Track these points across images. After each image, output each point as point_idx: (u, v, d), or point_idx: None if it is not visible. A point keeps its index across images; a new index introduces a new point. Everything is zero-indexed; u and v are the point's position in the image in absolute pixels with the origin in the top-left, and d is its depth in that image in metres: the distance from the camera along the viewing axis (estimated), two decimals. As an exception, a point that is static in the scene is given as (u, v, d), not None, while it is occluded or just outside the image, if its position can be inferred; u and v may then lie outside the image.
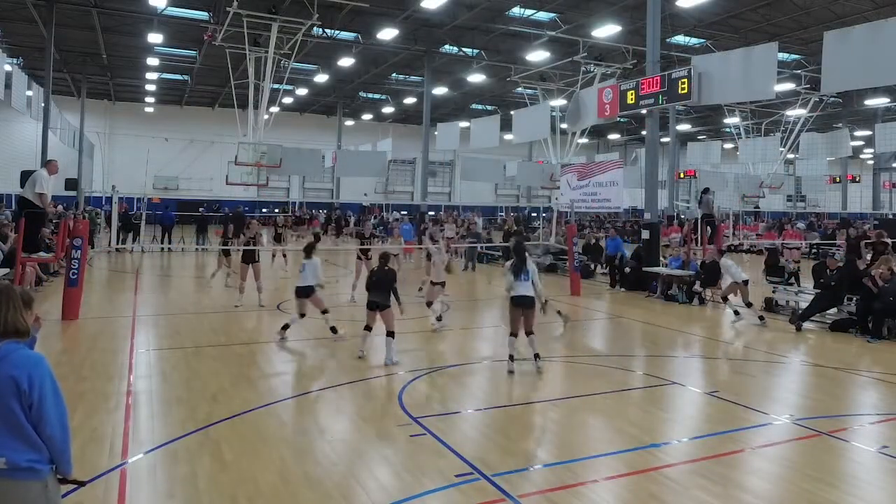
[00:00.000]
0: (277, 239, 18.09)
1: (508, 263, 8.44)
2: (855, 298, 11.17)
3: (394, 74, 36.09)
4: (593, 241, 21.39)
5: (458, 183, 52.76)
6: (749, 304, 12.01)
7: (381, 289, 8.52)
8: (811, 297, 12.03)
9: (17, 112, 24.55)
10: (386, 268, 8.68)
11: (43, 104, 25.67)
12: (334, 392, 7.21)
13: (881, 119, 35.16)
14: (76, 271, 11.05)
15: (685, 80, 15.50)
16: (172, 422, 6.06)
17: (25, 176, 13.04)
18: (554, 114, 26.86)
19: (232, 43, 22.23)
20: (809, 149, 32.03)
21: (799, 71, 27.89)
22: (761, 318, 11.85)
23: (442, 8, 22.61)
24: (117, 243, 20.26)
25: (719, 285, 13.49)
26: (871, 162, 49.17)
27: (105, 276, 17.65)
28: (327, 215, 37.44)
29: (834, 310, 11.66)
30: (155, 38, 26.53)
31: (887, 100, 33.25)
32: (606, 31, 23.79)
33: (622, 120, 37.70)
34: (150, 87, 40.43)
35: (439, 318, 10.95)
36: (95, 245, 20.61)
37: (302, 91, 39.50)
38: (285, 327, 9.63)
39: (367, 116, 49.50)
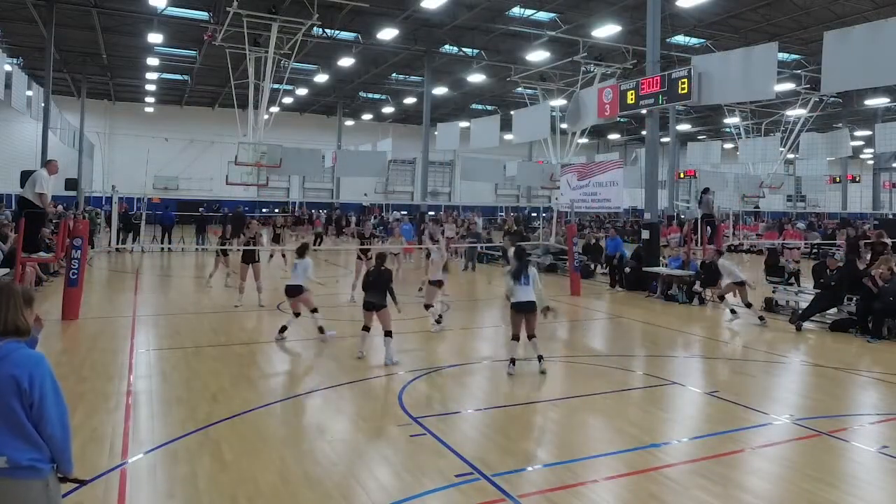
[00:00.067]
0: (276, 239, 18.10)
1: (509, 268, 8.44)
2: (855, 298, 11.17)
3: (394, 74, 36.09)
4: (593, 241, 21.39)
5: (458, 183, 52.75)
6: (749, 305, 12.01)
7: (378, 289, 8.54)
8: (811, 297, 12.04)
9: (17, 112, 24.55)
10: (382, 268, 8.69)
11: (43, 104, 25.67)
12: (334, 392, 7.21)
13: (881, 119, 35.16)
14: (76, 271, 11.06)
15: (685, 80, 15.51)
16: (172, 422, 6.06)
17: (25, 176, 13.04)
18: (554, 114, 26.86)
19: (232, 43, 22.23)
20: (809, 149, 32.03)
21: (799, 71, 27.89)
22: (761, 318, 11.86)
23: (442, 8, 22.60)
24: (117, 243, 20.27)
25: (719, 285, 13.50)
26: (871, 162, 49.17)
27: (105, 276, 17.65)
28: (328, 215, 37.46)
29: (834, 310, 11.66)
30: (155, 38, 26.53)
31: (887, 100, 33.26)
32: (606, 31, 23.79)
33: (622, 120, 37.70)
34: (150, 87, 40.43)
35: (438, 321, 10.95)
36: (95, 245, 20.62)
37: (302, 91, 39.50)
38: (283, 329, 9.64)
39: (367, 116, 49.50)
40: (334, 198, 48.42)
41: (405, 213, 38.65)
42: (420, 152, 33.64)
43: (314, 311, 9.78)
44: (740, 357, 9.61)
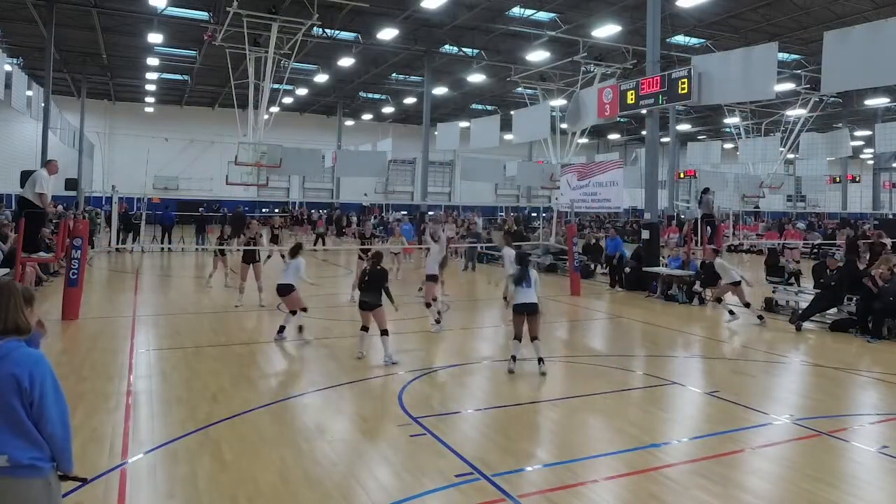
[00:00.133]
0: (274, 240, 18.07)
1: (511, 271, 8.44)
2: (855, 298, 11.17)
3: (394, 74, 36.08)
4: (593, 241, 21.40)
5: (458, 183, 52.75)
6: (747, 305, 12.02)
7: (373, 288, 8.55)
8: (811, 297, 12.04)
9: (17, 112, 24.55)
10: (378, 267, 8.69)
11: (43, 104, 25.67)
12: (334, 392, 7.21)
13: (881, 119, 35.15)
14: (76, 271, 11.06)
15: (685, 80, 15.51)
16: (172, 422, 6.06)
17: (25, 176, 13.03)
18: (554, 114, 26.87)
19: (232, 43, 22.23)
20: (809, 149, 32.02)
21: (799, 71, 27.88)
22: (760, 317, 11.87)
23: (442, 8, 22.60)
24: (117, 243, 20.27)
25: (718, 285, 13.51)
26: (871, 162, 49.17)
27: (105, 276, 17.65)
28: (328, 215, 37.46)
29: (834, 310, 11.66)
30: (155, 38, 26.53)
31: (887, 100, 33.25)
32: (606, 31, 23.79)
33: (622, 120, 37.70)
34: (150, 87, 40.43)
35: (438, 321, 10.97)
36: (95, 245, 20.62)
37: (302, 91, 39.50)
38: (281, 329, 9.65)
39: (367, 116, 49.50)
40: (334, 198, 48.41)
41: (405, 213, 38.67)
42: (420, 152, 33.64)
43: (303, 309, 9.81)
44: (740, 357, 9.61)
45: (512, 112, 29.69)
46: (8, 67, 19.86)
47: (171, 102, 45.96)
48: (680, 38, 26.28)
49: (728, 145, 43.18)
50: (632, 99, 17.18)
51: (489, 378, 8.04)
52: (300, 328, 9.73)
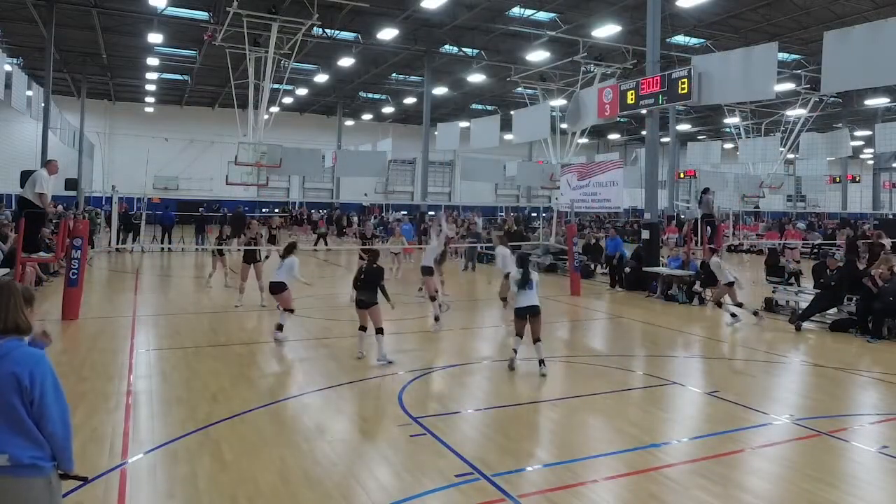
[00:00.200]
0: (271, 240, 18.05)
1: (512, 273, 8.44)
2: (855, 298, 11.17)
3: (394, 74, 36.08)
4: (593, 241, 21.40)
5: (458, 183, 52.75)
6: (740, 304, 12.02)
7: (369, 287, 8.54)
8: (811, 297, 12.03)
9: (17, 112, 24.55)
10: (374, 265, 8.68)
11: (43, 104, 25.67)
12: (334, 392, 7.21)
13: (881, 119, 35.15)
14: (76, 271, 11.06)
15: (685, 80, 15.50)
16: (172, 422, 6.06)
17: (25, 176, 13.04)
18: (554, 114, 26.86)
19: (232, 43, 22.23)
20: (809, 149, 32.02)
21: (799, 71, 27.88)
22: (756, 313, 11.88)
23: (442, 8, 22.60)
24: (117, 243, 20.27)
25: (718, 286, 13.50)
26: (871, 162, 49.17)
27: (105, 276, 17.65)
28: (329, 215, 37.47)
29: (834, 310, 11.66)
30: (155, 38, 26.53)
31: (887, 100, 33.25)
32: (606, 31, 23.79)
33: (622, 120, 37.69)
34: (150, 87, 40.43)
35: (437, 318, 11.00)
36: (95, 245, 20.62)
37: (302, 91, 39.50)
38: (279, 328, 9.63)
39: (367, 116, 49.50)
40: (334, 198, 48.42)
41: (405, 213, 38.68)
42: (420, 152, 33.64)
43: (290, 310, 9.72)
44: (740, 357, 9.61)
45: (512, 112, 29.68)
46: (8, 67, 19.86)
47: (171, 102, 45.96)
48: (680, 38, 26.28)
49: (728, 145, 43.17)
50: (632, 99, 17.18)
51: (489, 378, 8.04)
52: (279, 326, 9.63)
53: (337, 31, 26.18)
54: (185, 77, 37.51)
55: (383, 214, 41.30)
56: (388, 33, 25.50)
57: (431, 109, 32.50)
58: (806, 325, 11.54)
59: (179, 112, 46.78)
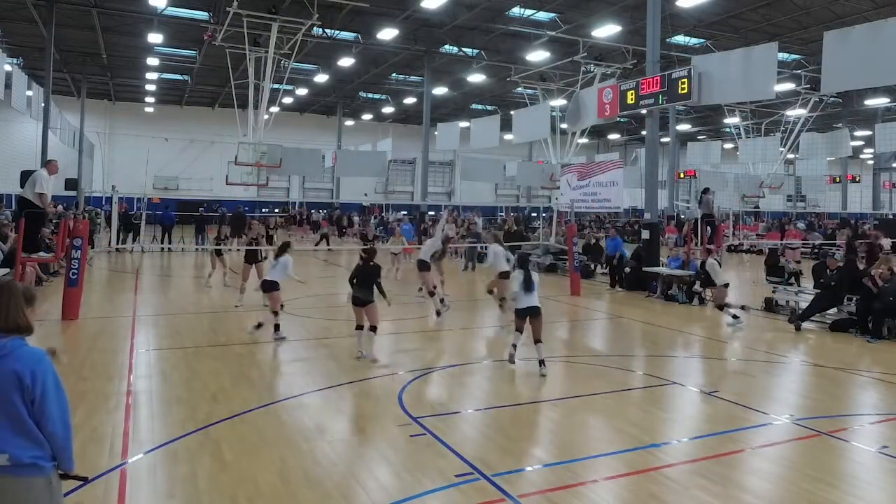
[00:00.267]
0: (268, 240, 18.09)
1: (514, 275, 8.44)
2: (855, 298, 11.17)
3: (394, 74, 36.09)
4: (593, 241, 21.39)
5: (458, 183, 52.76)
6: (725, 304, 12.05)
7: (365, 284, 8.54)
8: (811, 297, 12.03)
9: (17, 112, 24.56)
10: (370, 263, 8.66)
11: (43, 104, 25.67)
12: (334, 392, 7.21)
13: (881, 119, 35.16)
14: (76, 271, 11.05)
15: (685, 80, 15.50)
16: (172, 422, 6.06)
17: (25, 176, 13.04)
18: (554, 114, 26.87)
19: (232, 43, 22.24)
20: (809, 149, 32.04)
21: (799, 71, 27.89)
22: (743, 307, 11.99)
23: (442, 8, 22.61)
24: (117, 243, 20.27)
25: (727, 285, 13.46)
26: (871, 162, 49.18)
27: (105, 276, 17.65)
28: (330, 215, 37.48)
29: (834, 310, 11.66)
30: (155, 38, 26.54)
31: (887, 100, 33.26)
32: (606, 31, 23.80)
33: (622, 120, 37.69)
34: (150, 87, 40.44)
35: (439, 312, 11.01)
36: (95, 245, 20.61)
37: (302, 91, 39.50)
38: (277, 327, 9.61)
39: (367, 116, 49.50)
40: (334, 198, 48.43)
41: (405, 213, 38.68)
42: (420, 152, 33.64)
43: (275, 312, 9.61)
44: (740, 357, 9.61)
45: (512, 112, 29.69)
46: (8, 67, 19.87)
47: (171, 102, 45.96)
48: (680, 38, 26.28)
49: (728, 145, 43.18)
50: (632, 99, 17.18)
51: (489, 378, 8.04)
52: (259, 325, 9.56)
53: (337, 31, 26.18)
54: (185, 77, 37.51)
55: (383, 214, 41.30)
56: (388, 33, 25.50)
57: (431, 109, 32.50)
58: (806, 325, 11.54)
59: (179, 112, 46.78)
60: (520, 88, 30.98)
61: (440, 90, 35.95)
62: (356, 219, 38.35)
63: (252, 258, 13.02)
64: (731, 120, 34.24)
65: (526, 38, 26.10)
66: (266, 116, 23.39)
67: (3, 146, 34.63)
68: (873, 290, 10.73)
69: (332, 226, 33.45)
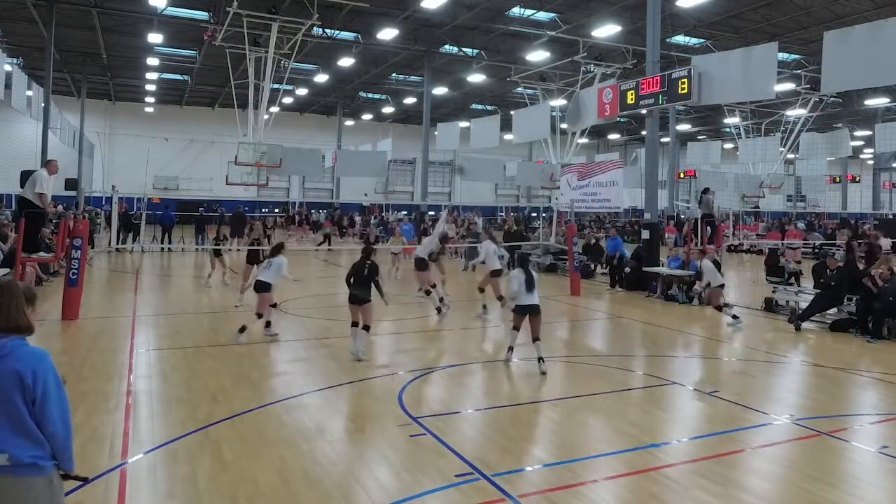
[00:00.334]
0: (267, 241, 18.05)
1: (514, 274, 8.44)
2: (855, 298, 11.17)
3: (394, 74, 36.10)
4: (593, 241, 21.40)
5: (458, 183, 52.75)
6: (700, 298, 12.07)
7: (364, 283, 8.53)
8: (811, 297, 12.03)
9: (17, 112, 24.56)
10: (368, 262, 8.65)
11: (43, 104, 25.68)
12: (334, 392, 7.21)
13: (881, 119, 35.17)
14: (76, 271, 11.05)
15: (685, 80, 15.50)
16: (172, 422, 6.06)
17: (25, 176, 13.04)
18: (554, 114, 26.87)
19: (232, 43, 22.24)
20: (809, 149, 32.04)
21: (799, 71, 27.90)
22: (727, 304, 12.01)
23: (442, 8, 22.61)
24: (117, 243, 20.27)
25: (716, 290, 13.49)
26: (871, 162, 49.19)
27: (105, 276, 17.65)
28: (331, 215, 37.49)
29: (834, 310, 11.66)
30: (155, 38, 26.54)
31: (887, 100, 33.26)
32: (606, 31, 23.80)
33: (622, 120, 37.71)
34: (150, 87, 40.45)
35: (438, 309, 11.02)
36: (95, 245, 20.61)
37: (302, 91, 39.51)
38: (268, 324, 9.56)
39: (367, 116, 49.51)
40: (334, 198, 48.43)
41: (405, 213, 38.67)
42: (420, 152, 33.64)
43: (258, 315, 9.51)
44: (740, 357, 9.61)
45: (512, 112, 29.70)
46: (8, 67, 19.87)
47: (171, 102, 45.97)
48: (680, 38, 26.29)
49: (728, 145, 43.18)
50: (632, 99, 17.18)
51: (489, 378, 8.04)
52: (243, 328, 9.43)
53: (337, 31, 26.19)
54: (185, 77, 37.52)
55: (383, 214, 41.30)
56: (388, 33, 25.50)
57: (431, 109, 32.52)
58: (806, 325, 11.54)
59: (179, 112, 46.79)
60: (520, 88, 30.99)
61: (440, 90, 35.95)
62: (357, 218, 38.34)
63: (254, 259, 13.01)
64: (731, 120, 34.25)
65: (526, 38, 26.10)
66: (266, 116, 23.39)
67: (3, 146, 34.63)
68: (873, 290, 10.73)
69: (334, 226, 33.48)
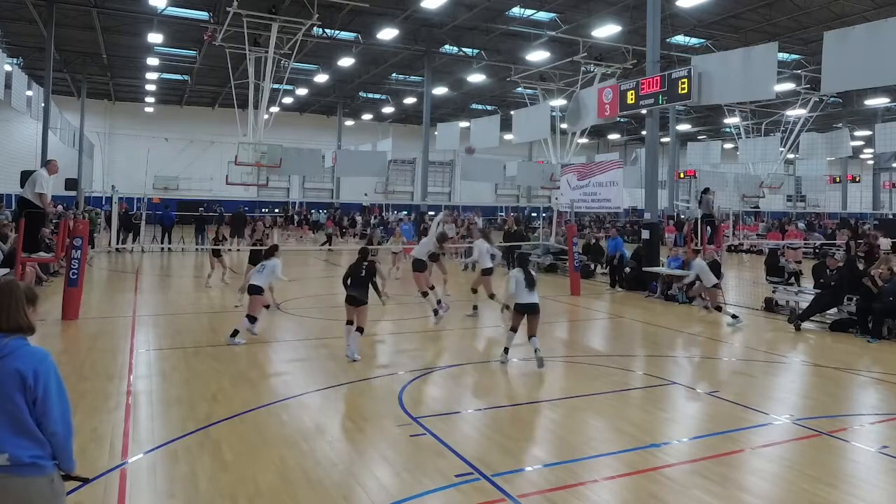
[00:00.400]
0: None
1: (513, 273, 8.44)
2: (855, 298, 11.17)
3: (394, 74, 36.10)
4: (593, 241, 21.40)
5: (458, 183, 52.74)
6: (719, 308, 12.08)
7: (362, 284, 8.52)
8: (811, 297, 12.03)
9: (17, 112, 24.56)
10: (366, 262, 8.63)
11: (43, 104, 25.68)
12: (334, 392, 7.21)
13: (881, 119, 35.17)
14: (76, 271, 11.05)
15: (685, 80, 15.49)
16: (172, 422, 6.06)
17: (25, 176, 13.05)
18: (554, 114, 26.88)
19: (232, 43, 22.24)
20: (809, 149, 32.04)
21: (799, 71, 27.90)
22: (708, 304, 12.00)
23: (442, 8, 22.61)
24: (117, 243, 20.26)
25: (719, 286, 13.48)
26: (871, 162, 49.19)
27: (105, 276, 17.64)
28: (332, 215, 37.48)
29: (834, 310, 11.66)
30: (155, 38, 26.55)
31: (887, 100, 33.26)
32: (606, 31, 23.81)
33: (622, 120, 37.72)
34: (150, 87, 40.44)
35: (436, 311, 11.02)
36: (95, 245, 20.62)
37: (302, 91, 39.51)
38: (253, 320, 9.39)
39: (367, 116, 49.50)
40: (334, 198, 48.43)
41: (405, 213, 38.66)
42: (420, 152, 33.65)
43: (248, 317, 9.36)
44: (740, 357, 9.61)
45: (512, 112, 29.70)
46: (8, 67, 19.86)
47: (170, 102, 45.97)
48: (680, 38, 26.29)
49: (728, 145, 43.20)
50: (632, 99, 17.17)
51: (489, 378, 8.04)
52: (235, 332, 9.32)
53: (337, 31, 26.18)
54: (185, 77, 37.52)
55: (384, 214, 41.30)
56: (388, 33, 25.50)
57: (431, 109, 32.51)
58: (806, 325, 11.53)
59: (179, 112, 46.79)
60: (520, 88, 30.98)
61: (440, 90, 35.95)
62: (358, 218, 38.33)
63: (256, 259, 13.01)
64: (731, 120, 34.26)
65: (526, 38, 26.11)
66: (266, 116, 23.40)
67: (3, 146, 34.61)
68: (873, 290, 10.73)
69: (335, 226, 33.48)
